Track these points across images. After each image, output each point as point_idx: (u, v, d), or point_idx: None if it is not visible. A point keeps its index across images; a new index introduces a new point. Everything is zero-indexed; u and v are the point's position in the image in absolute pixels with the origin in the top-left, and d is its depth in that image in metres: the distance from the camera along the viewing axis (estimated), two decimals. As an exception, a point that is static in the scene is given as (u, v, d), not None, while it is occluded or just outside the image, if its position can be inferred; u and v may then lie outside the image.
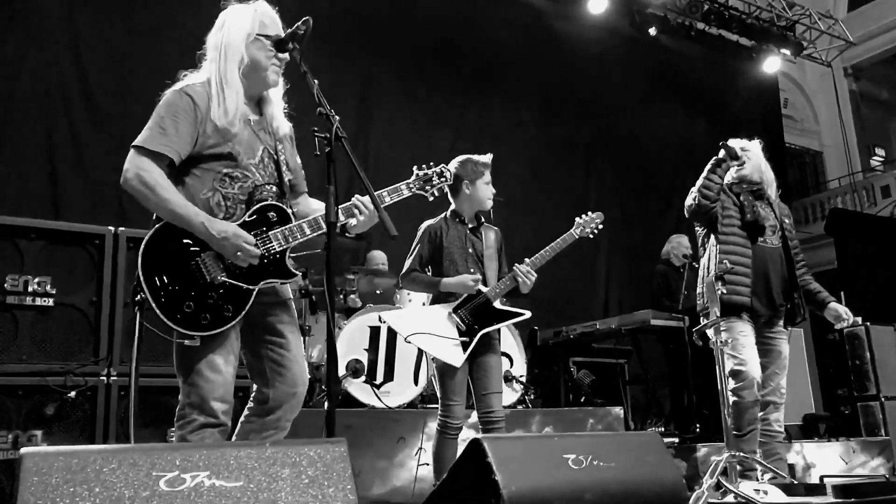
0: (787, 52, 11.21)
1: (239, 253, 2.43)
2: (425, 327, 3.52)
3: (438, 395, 3.59)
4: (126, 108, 6.50)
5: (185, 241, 2.43)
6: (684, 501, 2.17)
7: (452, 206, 3.82)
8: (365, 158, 8.07)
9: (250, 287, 2.50)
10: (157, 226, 2.45)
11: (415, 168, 2.97)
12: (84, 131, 6.48)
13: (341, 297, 5.40)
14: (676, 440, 5.66)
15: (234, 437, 2.60)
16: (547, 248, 3.85)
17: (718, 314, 3.32)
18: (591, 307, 9.23)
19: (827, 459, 6.21)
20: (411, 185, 2.90)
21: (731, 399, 3.65)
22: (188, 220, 2.40)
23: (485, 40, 9.00)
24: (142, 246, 2.42)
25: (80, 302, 3.85)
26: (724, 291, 3.47)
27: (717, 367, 3.37)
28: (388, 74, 8.33)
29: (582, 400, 6.00)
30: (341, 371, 4.71)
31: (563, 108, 9.68)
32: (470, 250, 3.75)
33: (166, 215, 2.42)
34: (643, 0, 9.79)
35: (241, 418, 2.64)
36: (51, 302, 3.76)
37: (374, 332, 4.87)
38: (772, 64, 11.25)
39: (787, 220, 4.18)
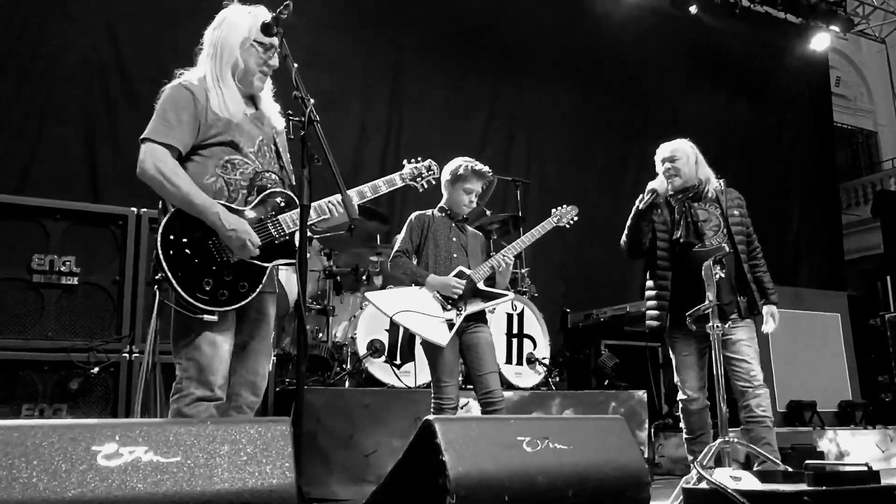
0: (836, 28, 10.82)
1: (243, 248, 2.58)
2: (410, 306, 3.55)
3: (431, 376, 3.64)
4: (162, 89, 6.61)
5: (200, 223, 2.58)
6: (645, 486, 2.15)
7: (442, 201, 3.88)
8: (398, 143, 8.07)
9: (265, 265, 2.66)
10: (173, 209, 2.58)
11: (405, 161, 3.22)
12: (121, 113, 6.61)
13: (364, 278, 5.45)
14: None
15: None
16: (524, 236, 3.97)
17: (713, 298, 3.26)
18: (629, 289, 9.14)
19: (862, 447, 6.09)
20: (404, 176, 3.17)
21: (680, 407, 3.97)
22: (203, 209, 2.55)
23: (518, 20, 8.89)
24: (160, 227, 2.56)
25: (103, 281, 3.97)
26: (723, 275, 3.42)
27: (712, 352, 3.31)
28: (420, 57, 8.29)
29: (605, 383, 5.96)
30: (362, 351, 4.77)
31: (600, 88, 9.52)
32: (454, 239, 3.83)
33: (183, 204, 2.56)
34: (683, -23, 9.55)
35: None
36: (75, 281, 3.89)
37: (396, 312, 4.91)
38: (820, 41, 10.88)
39: (736, 212, 4.04)
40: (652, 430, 5.54)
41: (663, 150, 4.10)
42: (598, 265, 9.04)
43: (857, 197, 14.42)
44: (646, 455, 5.01)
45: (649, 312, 4.05)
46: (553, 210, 4.08)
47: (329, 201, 2.84)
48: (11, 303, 3.74)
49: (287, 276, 5.25)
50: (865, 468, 2.10)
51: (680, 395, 3.96)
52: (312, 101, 2.36)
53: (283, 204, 2.74)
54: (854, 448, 6.04)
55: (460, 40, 8.53)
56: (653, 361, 6.94)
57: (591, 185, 8.85)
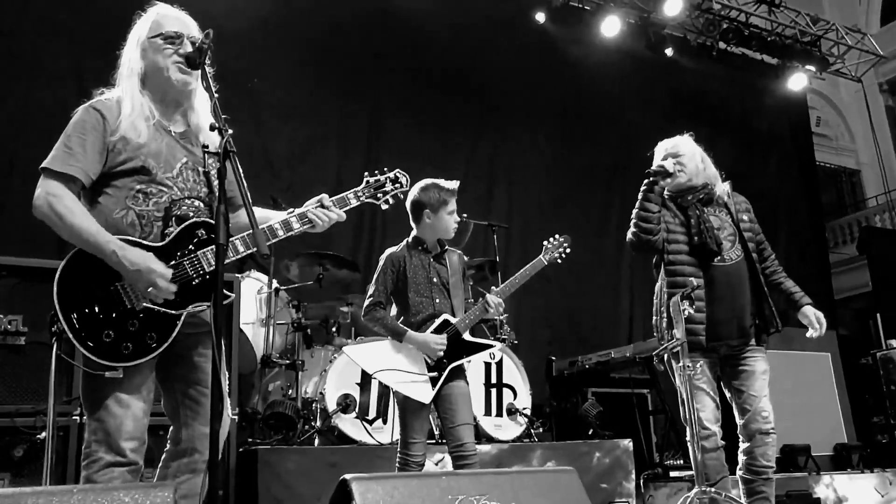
0: (812, 68, 10.87)
1: (151, 289, 2.29)
2: (392, 363, 3.35)
3: (399, 430, 3.42)
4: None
5: (103, 265, 2.30)
6: (597, 548, 1.95)
7: (414, 233, 3.66)
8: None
9: (177, 312, 2.35)
10: (73, 251, 2.32)
11: (366, 174, 2.82)
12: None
13: (335, 330, 5.26)
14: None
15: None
16: (516, 275, 3.70)
17: (680, 336, 3.07)
18: (617, 334, 8.97)
19: (861, 492, 5.85)
20: (360, 194, 2.76)
21: (690, 448, 3.37)
22: (99, 248, 2.28)
23: (496, 69, 8.86)
24: (57, 272, 2.29)
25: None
26: (693, 311, 3.20)
27: (679, 394, 3.12)
28: (397, 107, 8.21)
29: (590, 432, 5.73)
30: (332, 406, 4.55)
31: (581, 134, 9.46)
32: (435, 279, 3.58)
33: (77, 243, 2.31)
34: (658, 21, 9.59)
35: (160, 462, 2.50)
36: (22, 340, 3.69)
37: (367, 365, 4.70)
38: (797, 81, 10.92)
39: (745, 217, 3.74)
40: (641, 481, 5.31)
41: (665, 145, 3.77)
42: (583, 310, 8.89)
43: (843, 235, 14.39)
44: (633, 507, 4.77)
45: (689, 327, 3.40)
46: (544, 244, 3.85)
47: (309, 209, 2.55)
48: (-48, 366, 3.54)
49: (254, 331, 5.07)
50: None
51: (690, 433, 3.36)
52: (231, 131, 2.16)
53: (203, 236, 2.40)
54: (852, 493, 5.80)
55: (438, 89, 8.47)
56: (641, 409, 6.73)
57: (574, 230, 8.60)
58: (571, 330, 8.70)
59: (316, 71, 7.75)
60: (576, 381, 6.88)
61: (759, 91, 11.10)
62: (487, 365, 5.19)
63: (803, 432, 6.19)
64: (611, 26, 9.26)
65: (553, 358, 7.32)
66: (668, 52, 9.76)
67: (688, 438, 3.29)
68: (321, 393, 4.63)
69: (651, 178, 3.58)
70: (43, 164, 2.36)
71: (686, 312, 3.14)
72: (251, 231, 2.25)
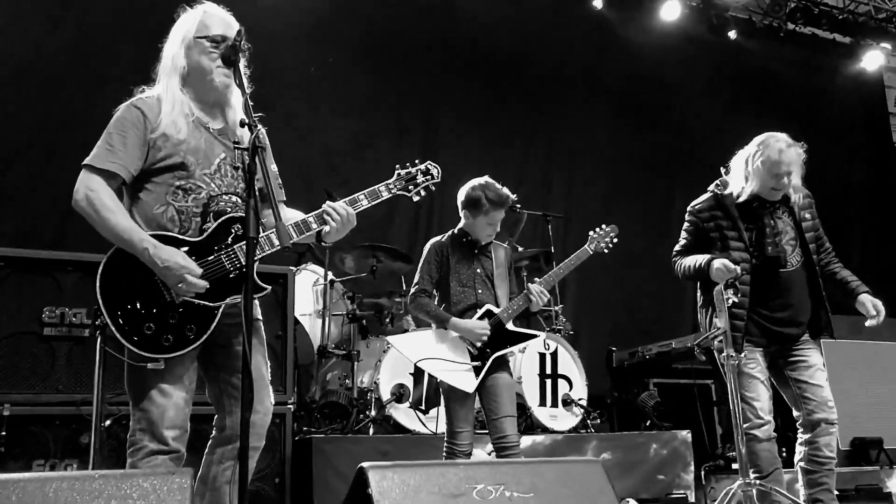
0: (888, 46, 10.41)
1: (181, 284, 2.35)
2: (435, 352, 3.38)
3: (445, 420, 3.44)
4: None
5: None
6: (618, 537, 1.93)
7: (460, 224, 3.67)
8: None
9: (215, 305, 2.42)
10: (115, 247, 2.40)
11: (397, 167, 2.83)
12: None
13: (388, 320, 5.32)
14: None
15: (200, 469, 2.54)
16: (561, 265, 3.70)
17: (722, 325, 2.99)
18: (680, 324, 8.80)
19: (937, 487, 5.61)
20: (391, 186, 2.77)
21: (745, 439, 3.29)
22: (132, 245, 2.35)
23: (553, 57, 8.78)
24: (100, 267, 2.37)
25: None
26: (736, 300, 3.12)
27: (727, 383, 3.04)
28: (453, 100, 8.22)
29: (647, 423, 5.65)
30: (386, 396, 4.61)
31: (641, 122, 9.29)
32: (479, 270, 3.59)
33: (111, 238, 2.38)
34: (721, 3, 9.32)
35: (206, 449, 2.58)
36: (86, 332, 3.84)
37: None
38: (872, 60, 10.45)
39: (807, 215, 3.63)
40: (703, 473, 5.21)
41: (781, 158, 3.48)
42: (645, 301, 8.75)
43: (924, 220, 13.71)
44: (692, 499, 4.69)
45: (735, 324, 3.37)
46: (590, 233, 3.85)
47: (325, 208, 2.55)
48: (22, 357, 3.71)
49: (311, 322, 5.17)
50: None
51: (746, 425, 3.34)
52: (260, 127, 2.20)
53: (239, 231, 2.46)
54: (928, 488, 5.57)
55: (494, 80, 8.45)
56: (703, 400, 6.59)
57: (635, 218, 8.56)
58: (632, 320, 8.58)
59: (372, 65, 7.81)
60: (636, 372, 6.79)
61: (831, 72, 10.67)
62: (542, 356, 5.18)
63: (875, 424, 5.97)
64: (671, 10, 9.03)
65: (613, 349, 7.24)
66: (732, 35, 9.46)
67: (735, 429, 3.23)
68: (375, 383, 4.70)
69: (722, 284, 3.36)
70: (85, 161, 2.43)
71: (730, 301, 3.07)
72: (277, 225, 2.29)
